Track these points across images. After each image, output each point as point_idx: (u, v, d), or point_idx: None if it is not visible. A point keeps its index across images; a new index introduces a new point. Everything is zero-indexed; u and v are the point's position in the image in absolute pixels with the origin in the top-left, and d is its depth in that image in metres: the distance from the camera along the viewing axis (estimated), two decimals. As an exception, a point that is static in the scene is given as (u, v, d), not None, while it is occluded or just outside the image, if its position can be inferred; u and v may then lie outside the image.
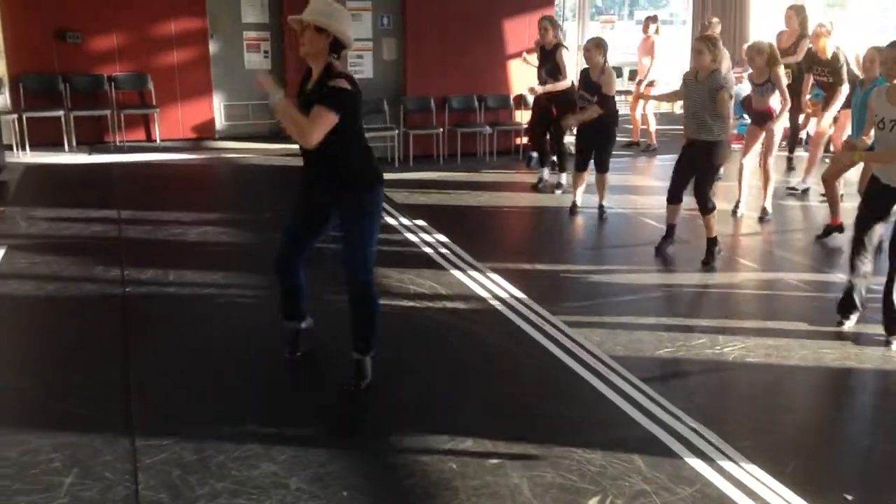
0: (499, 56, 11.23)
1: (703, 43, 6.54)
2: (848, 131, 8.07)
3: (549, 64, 8.79)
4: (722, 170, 8.10)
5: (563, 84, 8.73)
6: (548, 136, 9.22)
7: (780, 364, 4.87)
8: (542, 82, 8.89)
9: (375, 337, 4.40)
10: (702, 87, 6.47)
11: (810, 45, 9.07)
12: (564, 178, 9.13)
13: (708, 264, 6.66)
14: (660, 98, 8.74)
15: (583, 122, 7.90)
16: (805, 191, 9.06)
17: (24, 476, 3.48)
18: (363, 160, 4.24)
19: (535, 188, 9.19)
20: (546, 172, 9.28)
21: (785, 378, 4.75)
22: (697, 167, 6.70)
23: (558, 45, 8.75)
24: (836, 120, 8.79)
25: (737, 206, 8.16)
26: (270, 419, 4.03)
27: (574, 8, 15.52)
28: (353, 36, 4.11)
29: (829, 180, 7.30)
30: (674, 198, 6.90)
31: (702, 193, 6.70)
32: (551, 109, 8.91)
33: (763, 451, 3.89)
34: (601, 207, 8.09)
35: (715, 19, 11.26)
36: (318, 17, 3.94)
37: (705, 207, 6.71)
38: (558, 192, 9.01)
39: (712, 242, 6.75)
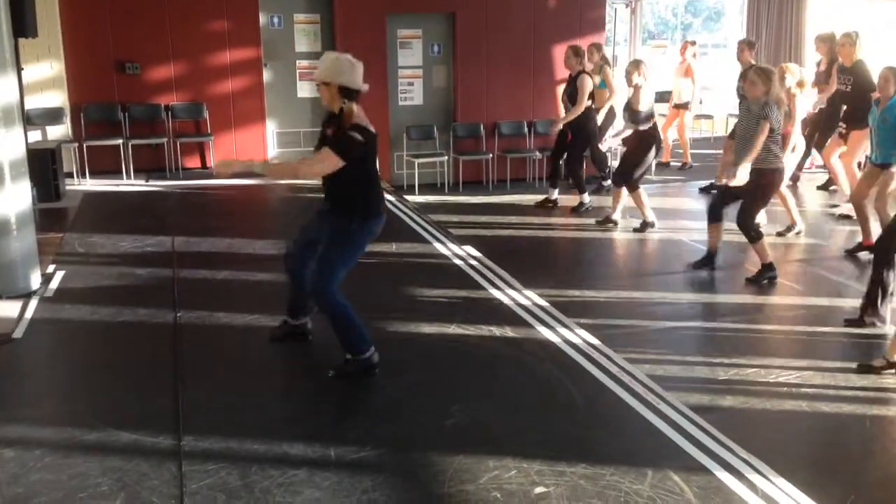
0: (548, 82, 11.25)
1: (756, 74, 6.64)
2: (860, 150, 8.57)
3: (571, 88, 9.16)
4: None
5: (576, 111, 9.05)
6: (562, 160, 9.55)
7: (837, 394, 4.73)
8: (567, 107, 9.31)
9: (349, 337, 4.71)
10: (751, 115, 6.58)
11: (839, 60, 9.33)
12: (587, 197, 9.33)
13: (755, 283, 6.71)
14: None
15: (624, 139, 8.16)
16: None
17: (73, 500, 3.52)
18: (361, 195, 4.66)
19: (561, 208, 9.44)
20: (555, 193, 9.52)
21: (842, 408, 4.60)
22: (742, 194, 6.68)
23: (581, 73, 9.08)
24: (843, 137, 8.90)
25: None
26: (316, 446, 4.02)
27: (625, 33, 15.47)
28: (360, 81, 4.57)
29: (859, 201, 7.25)
30: (712, 216, 6.93)
31: (743, 222, 6.70)
32: (567, 135, 9.27)
33: (819, 483, 3.77)
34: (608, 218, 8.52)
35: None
36: (322, 74, 4.56)
37: (749, 236, 6.73)
38: (582, 209, 9.29)
39: (767, 268, 6.71)
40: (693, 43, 11.95)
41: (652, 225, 8.32)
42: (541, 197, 9.75)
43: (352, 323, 4.69)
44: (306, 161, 4.72)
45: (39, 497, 3.54)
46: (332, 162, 4.49)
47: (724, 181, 6.65)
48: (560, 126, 9.19)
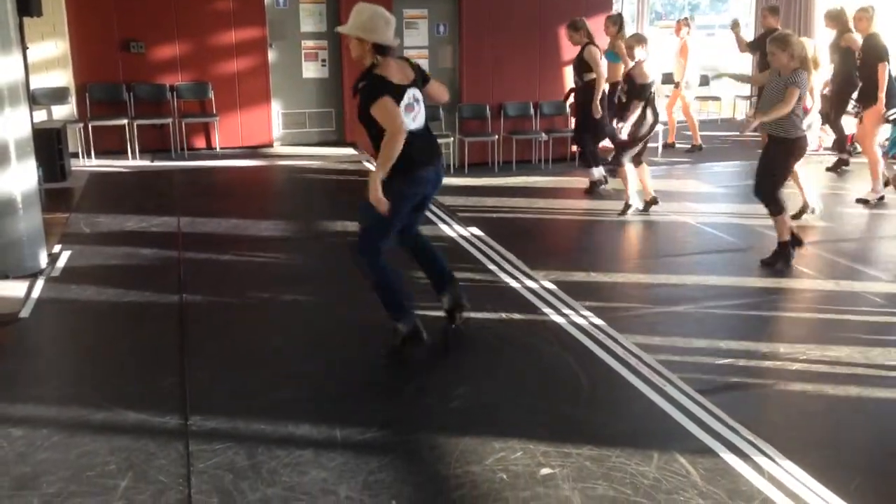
0: (555, 63, 11.20)
1: (773, 45, 6.43)
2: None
3: (577, 60, 9.02)
4: None
5: (599, 83, 8.84)
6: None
7: (844, 377, 4.72)
8: (574, 81, 9.18)
9: (387, 302, 4.74)
10: (780, 83, 6.38)
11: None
12: (596, 173, 9.19)
13: (770, 266, 6.55)
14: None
15: (633, 122, 7.85)
16: (880, 199, 8.62)
17: (80, 479, 3.54)
18: (400, 153, 4.41)
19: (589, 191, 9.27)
20: (601, 172, 9.28)
21: (849, 392, 4.60)
22: (766, 164, 6.57)
23: (587, 44, 8.91)
24: (858, 117, 8.83)
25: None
26: (323, 426, 4.03)
27: (633, 13, 15.35)
28: (392, 37, 4.46)
29: None
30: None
31: (767, 192, 6.55)
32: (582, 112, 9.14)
33: (826, 466, 3.76)
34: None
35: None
36: (356, 30, 4.41)
37: (770, 208, 6.58)
38: (595, 189, 9.20)
39: (783, 247, 6.58)
40: (687, 22, 11.76)
41: (629, 207, 8.17)
42: (554, 179, 9.70)
43: (389, 288, 4.71)
44: (383, 147, 4.34)
45: (47, 476, 3.56)
46: (388, 106, 4.33)
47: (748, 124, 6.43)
48: (597, 104, 8.86)
